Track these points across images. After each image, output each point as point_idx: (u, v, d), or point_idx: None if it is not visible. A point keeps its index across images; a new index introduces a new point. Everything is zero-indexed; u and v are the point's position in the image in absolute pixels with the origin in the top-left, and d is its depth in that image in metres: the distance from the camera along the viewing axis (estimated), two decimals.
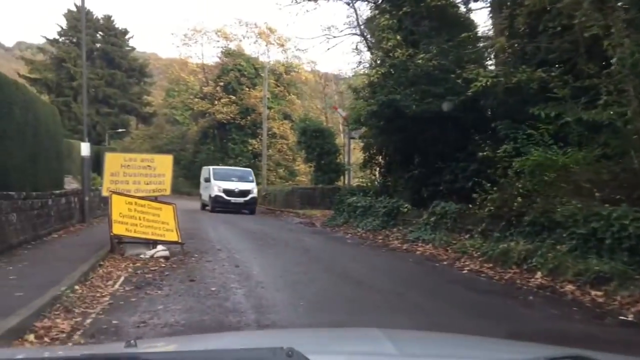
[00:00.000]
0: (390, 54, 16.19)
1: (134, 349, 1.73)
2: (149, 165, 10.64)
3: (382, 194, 17.60)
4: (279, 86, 45.93)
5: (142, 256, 9.46)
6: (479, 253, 10.08)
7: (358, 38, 21.33)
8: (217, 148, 47.99)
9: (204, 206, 27.77)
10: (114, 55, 53.14)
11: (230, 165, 45.49)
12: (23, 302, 5.35)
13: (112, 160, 10.63)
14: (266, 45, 47.97)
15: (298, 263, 9.96)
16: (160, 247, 9.71)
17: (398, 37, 16.24)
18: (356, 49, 19.25)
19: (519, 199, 10.02)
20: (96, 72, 52.33)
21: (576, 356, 1.79)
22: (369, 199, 17.55)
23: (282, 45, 48.25)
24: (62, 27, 52.76)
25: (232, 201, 25.28)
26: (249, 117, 44.87)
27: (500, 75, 12.41)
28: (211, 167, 28.38)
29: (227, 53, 46.84)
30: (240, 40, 48.15)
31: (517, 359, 2.02)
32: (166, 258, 9.49)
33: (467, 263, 9.93)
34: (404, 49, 16.00)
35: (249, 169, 30.19)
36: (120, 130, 50.84)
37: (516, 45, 12.82)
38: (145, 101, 56.57)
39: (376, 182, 19.45)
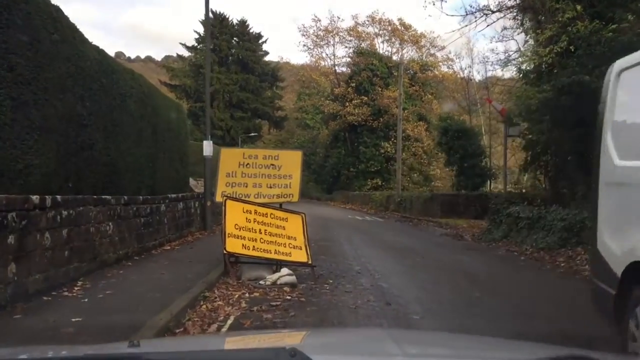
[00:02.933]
0: (569, 28, 12.81)
1: (136, 349, 1.72)
2: (272, 164, 8.48)
3: (553, 202, 14.13)
4: (413, 85, 43.00)
5: (261, 282, 7.27)
6: None
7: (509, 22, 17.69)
8: (347, 152, 46.12)
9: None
10: (247, 60, 53.58)
11: (362, 169, 43.48)
12: None
13: (228, 157, 8.61)
14: (400, 44, 45.25)
15: (469, 300, 7.16)
16: (285, 270, 7.45)
17: (578, 7, 12.87)
18: (521, 24, 15.72)
19: None
20: (231, 77, 53.14)
21: (577, 356, 1.77)
22: (535, 210, 14.17)
23: (417, 43, 45.30)
24: (199, 34, 54.13)
25: None
26: (381, 119, 42.41)
27: None
28: None
29: (359, 52, 44.80)
30: (373, 39, 45.94)
31: (520, 358, 1.99)
32: (293, 286, 7.20)
33: None
34: (586, 21, 12.59)
35: None
36: (252, 134, 50.87)
37: None
38: (277, 105, 56.57)
39: (543, 188, 15.91)
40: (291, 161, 8.65)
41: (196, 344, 2.35)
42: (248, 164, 8.44)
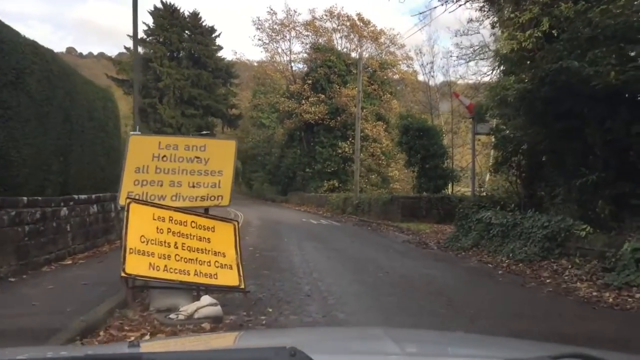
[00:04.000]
0: (552, 9, 11.33)
1: (137, 349, 1.71)
2: (197, 157, 6.47)
3: (528, 207, 12.67)
4: (372, 84, 41.50)
5: (172, 316, 5.31)
6: None
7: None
8: (303, 152, 44.26)
9: None
10: (200, 54, 51.08)
11: (318, 169, 41.70)
12: None
13: (139, 147, 6.50)
14: (359, 40, 43.71)
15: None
16: (206, 299, 5.49)
17: None
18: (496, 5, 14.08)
19: None
20: (182, 72, 50.53)
21: (579, 355, 1.72)
22: (510, 215, 12.67)
23: (376, 40, 43.86)
24: (148, 26, 51.25)
25: None
26: (338, 118, 40.70)
27: None
28: None
29: (317, 48, 42.99)
30: (331, 34, 44.25)
31: (520, 358, 1.94)
32: (216, 320, 5.29)
33: None
34: (570, 2, 11.15)
35: None
36: (204, 132, 48.34)
37: None
38: (231, 103, 54.20)
39: (515, 191, 14.44)
40: (222, 153, 6.65)
41: (196, 344, 2.37)
42: (165, 156, 6.41)
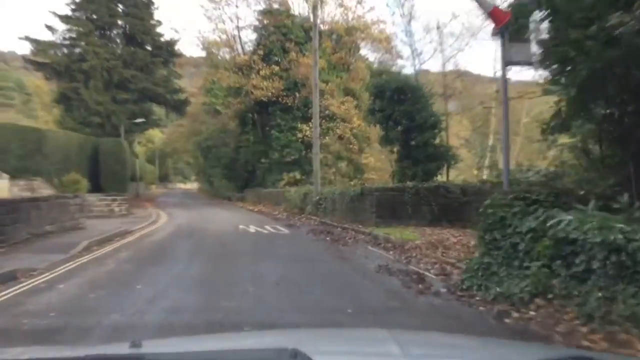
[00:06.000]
0: None
1: (138, 349, 1.75)
2: None
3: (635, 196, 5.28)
4: (337, 52, 33.98)
5: None
6: None
7: None
8: (258, 138, 36.60)
9: None
10: (135, 30, 42.84)
11: (276, 159, 34.13)
12: None
13: None
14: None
15: None
16: None
17: None
18: None
19: None
20: (113, 51, 42.32)
21: (577, 356, 1.74)
22: (622, 220, 5.27)
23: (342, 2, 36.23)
24: (75, 0, 42.71)
25: None
26: (297, 94, 33.09)
27: None
28: None
29: (268, 12, 35.22)
30: None
31: (520, 359, 1.97)
32: None
33: None
34: None
35: None
36: (138, 120, 40.24)
37: None
38: (174, 86, 45.99)
39: (595, 168, 6.99)
40: None
41: (197, 344, 2.35)
42: None
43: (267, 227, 18.15)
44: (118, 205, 23.46)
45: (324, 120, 32.28)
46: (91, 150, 29.77)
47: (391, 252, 11.01)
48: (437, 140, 17.81)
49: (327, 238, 14.26)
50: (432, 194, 15.26)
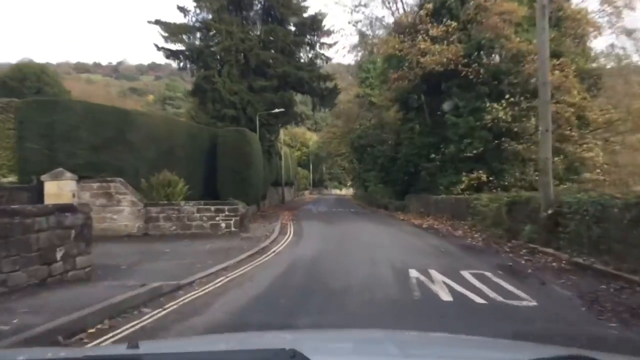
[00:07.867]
0: None
1: (136, 350, 1.72)
2: None
3: None
4: None
5: None
6: None
7: None
8: (425, 127, 27.12)
9: None
10: (273, 3, 35.84)
11: (450, 155, 24.54)
12: None
13: None
14: None
15: None
16: None
17: None
18: None
19: None
20: (248, 29, 35.73)
21: (577, 356, 1.74)
22: None
23: None
24: None
25: None
26: (484, 61, 23.13)
27: None
28: None
29: None
30: None
31: (520, 359, 1.94)
32: None
33: None
34: None
35: None
36: (276, 110, 33.01)
37: None
38: (320, 72, 38.11)
39: None
40: None
41: (196, 344, 2.33)
42: None
43: (469, 276, 8.83)
44: (224, 218, 15.72)
45: (523, 98, 22.07)
46: (209, 143, 22.63)
47: None
48: None
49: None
50: None
